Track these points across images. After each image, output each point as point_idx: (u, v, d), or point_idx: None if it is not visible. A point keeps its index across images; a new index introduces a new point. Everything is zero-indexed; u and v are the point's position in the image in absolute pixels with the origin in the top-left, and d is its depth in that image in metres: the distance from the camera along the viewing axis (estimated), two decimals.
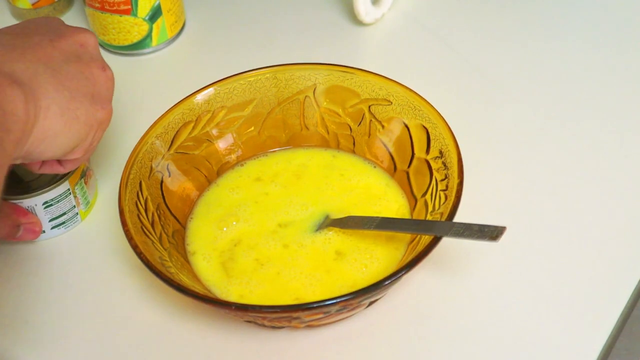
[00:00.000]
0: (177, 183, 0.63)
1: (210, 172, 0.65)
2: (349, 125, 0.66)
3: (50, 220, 0.63)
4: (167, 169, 0.63)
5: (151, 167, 0.62)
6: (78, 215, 0.65)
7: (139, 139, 0.62)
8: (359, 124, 0.65)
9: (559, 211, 0.64)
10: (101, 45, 0.81)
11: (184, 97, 0.64)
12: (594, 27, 0.80)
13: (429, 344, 0.57)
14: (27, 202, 0.62)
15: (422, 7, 0.83)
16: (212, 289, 0.58)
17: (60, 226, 0.64)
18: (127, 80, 0.78)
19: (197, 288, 0.55)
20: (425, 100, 0.62)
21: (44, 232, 0.64)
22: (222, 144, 0.66)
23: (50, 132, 0.52)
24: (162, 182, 0.62)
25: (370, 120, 0.65)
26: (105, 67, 0.57)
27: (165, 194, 0.62)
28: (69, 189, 0.63)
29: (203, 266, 0.59)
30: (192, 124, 0.64)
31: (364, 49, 0.81)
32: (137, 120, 0.67)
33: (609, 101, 0.72)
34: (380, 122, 0.64)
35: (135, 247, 0.55)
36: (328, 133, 0.66)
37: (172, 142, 0.63)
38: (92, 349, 0.58)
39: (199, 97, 0.65)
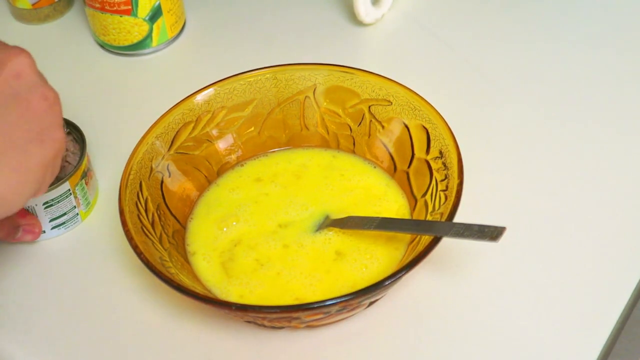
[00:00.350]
0: (177, 183, 0.63)
1: (211, 173, 0.65)
2: (349, 125, 0.66)
3: (50, 221, 0.63)
4: (167, 169, 0.63)
5: (151, 168, 0.62)
6: (78, 216, 0.65)
7: (139, 139, 0.62)
8: (359, 124, 0.65)
9: (559, 211, 0.64)
10: (101, 46, 0.81)
11: (184, 97, 0.64)
12: (594, 27, 0.80)
13: (429, 344, 0.57)
14: (27, 202, 0.62)
15: (422, 8, 0.83)
16: (212, 289, 0.58)
17: (61, 227, 0.64)
18: (127, 80, 0.78)
19: (197, 288, 0.55)
20: (425, 101, 0.62)
21: (44, 232, 0.64)
22: (222, 145, 0.66)
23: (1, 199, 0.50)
24: (162, 182, 0.62)
25: (370, 121, 0.65)
26: (46, 93, 0.52)
27: (165, 194, 0.62)
28: (69, 190, 0.63)
29: (203, 266, 0.59)
30: (192, 124, 0.64)
31: (364, 49, 0.81)
32: (137, 120, 0.67)
33: (609, 101, 0.72)
34: (380, 122, 0.64)
35: (135, 248, 0.55)
36: (328, 133, 0.66)
37: (172, 142, 0.63)
38: (92, 350, 0.58)
39: (199, 97, 0.65)
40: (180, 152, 0.64)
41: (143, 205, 0.59)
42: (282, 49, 0.80)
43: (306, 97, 0.66)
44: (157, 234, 0.59)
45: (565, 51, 0.77)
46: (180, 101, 0.64)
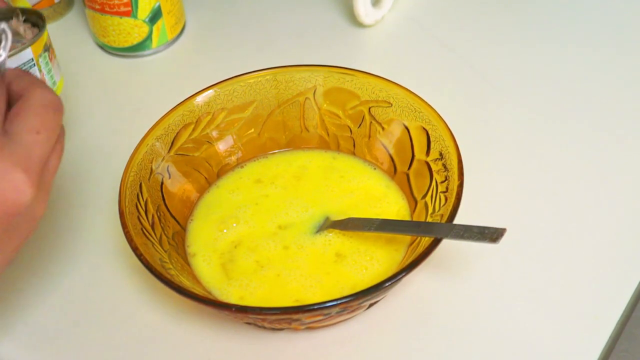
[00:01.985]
0: (177, 185, 0.63)
1: (211, 174, 0.65)
2: (349, 127, 0.66)
3: None
4: (167, 170, 0.63)
5: (151, 169, 0.62)
6: None
7: (139, 140, 0.62)
8: (359, 125, 0.65)
9: (559, 213, 0.64)
10: (101, 47, 0.81)
11: (184, 98, 0.64)
12: (594, 29, 0.80)
13: (429, 346, 0.57)
14: None
15: (422, 9, 0.83)
16: (212, 291, 0.58)
17: None
18: (127, 82, 0.78)
19: (197, 290, 0.55)
20: (425, 102, 0.62)
21: None
22: (222, 146, 0.66)
23: None
24: (162, 183, 0.62)
25: (371, 122, 0.65)
26: (16, 167, 0.45)
27: (165, 196, 0.62)
28: (32, 59, 0.60)
29: (203, 268, 0.59)
30: (192, 126, 0.64)
31: (364, 50, 0.81)
32: (137, 122, 0.67)
33: (610, 102, 0.72)
34: (381, 123, 0.64)
35: (135, 249, 0.55)
36: (328, 135, 0.66)
37: (172, 143, 0.63)
38: (92, 351, 0.58)
39: (199, 99, 0.65)
40: (180, 154, 0.64)
41: (143, 206, 0.59)
42: (282, 50, 0.80)
43: (306, 98, 0.66)
44: (157, 235, 0.59)
45: (566, 53, 0.77)
46: (180, 103, 0.64)
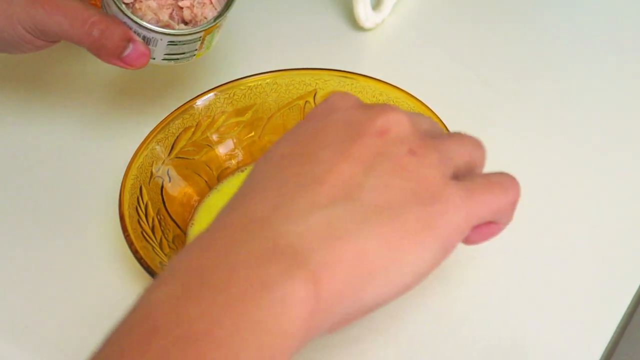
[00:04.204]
0: (178, 188, 0.63)
1: (211, 178, 0.65)
2: None
3: (165, 54, 0.61)
4: (168, 174, 0.63)
5: (151, 172, 0.61)
6: (194, 57, 0.62)
7: (139, 144, 0.62)
8: None
9: (560, 215, 0.64)
10: None
11: (184, 102, 0.64)
12: (596, 34, 0.80)
13: (430, 347, 0.57)
14: (152, 35, 0.58)
15: (423, 12, 0.83)
16: None
17: (171, 60, 0.62)
18: (127, 85, 0.78)
19: None
20: (426, 106, 0.62)
21: (153, 59, 0.60)
22: (222, 149, 0.66)
23: (377, 271, 0.39)
24: (162, 187, 0.62)
25: None
26: (414, 149, 0.41)
27: (165, 199, 0.62)
28: (200, 37, 0.60)
29: None
30: (192, 129, 0.64)
31: (364, 54, 0.81)
32: (138, 125, 0.67)
33: (611, 107, 0.72)
34: None
35: (135, 253, 0.55)
36: None
37: (172, 147, 0.63)
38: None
39: (199, 102, 0.65)
40: (180, 157, 0.64)
41: (143, 210, 0.59)
42: (282, 53, 0.80)
43: (306, 102, 0.66)
44: (157, 239, 0.59)
45: (567, 57, 0.77)
46: (181, 106, 0.64)
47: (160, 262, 0.56)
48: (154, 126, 0.63)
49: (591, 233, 0.63)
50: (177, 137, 0.64)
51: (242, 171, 0.66)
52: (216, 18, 0.61)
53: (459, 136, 0.45)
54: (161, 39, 0.59)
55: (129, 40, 0.58)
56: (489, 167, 0.67)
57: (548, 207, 0.64)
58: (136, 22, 0.58)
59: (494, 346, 0.56)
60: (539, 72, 0.76)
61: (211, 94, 0.65)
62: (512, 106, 0.73)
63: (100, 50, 0.59)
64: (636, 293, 0.59)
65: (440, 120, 0.60)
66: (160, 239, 0.59)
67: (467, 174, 0.44)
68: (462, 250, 0.58)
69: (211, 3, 0.61)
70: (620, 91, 0.74)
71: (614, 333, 0.57)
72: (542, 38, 0.80)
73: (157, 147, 0.62)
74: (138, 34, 0.59)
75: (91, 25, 0.58)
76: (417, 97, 0.62)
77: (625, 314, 0.58)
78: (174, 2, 0.60)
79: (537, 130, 0.71)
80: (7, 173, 0.71)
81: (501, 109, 0.73)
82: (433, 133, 0.44)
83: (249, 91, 0.66)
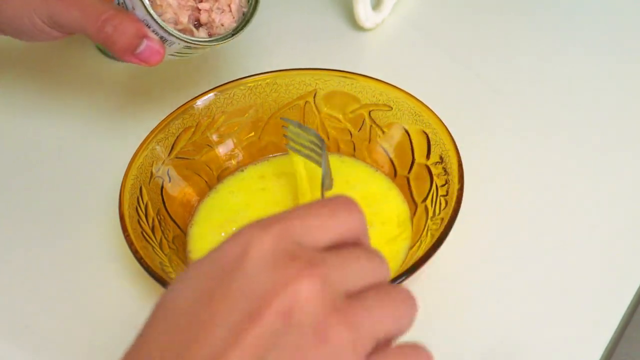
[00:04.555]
0: (178, 188, 0.63)
1: (211, 178, 0.65)
2: (349, 130, 0.66)
3: (175, 52, 0.60)
4: (168, 174, 0.63)
5: (151, 173, 0.62)
6: (198, 55, 0.62)
7: (139, 144, 0.62)
8: (360, 129, 0.65)
9: (560, 217, 0.64)
10: (102, 51, 0.81)
11: (184, 102, 0.64)
12: (596, 34, 0.80)
13: (429, 348, 0.57)
14: (171, 38, 0.57)
15: (423, 13, 0.83)
16: None
17: (178, 57, 0.61)
18: (127, 85, 0.78)
19: None
20: (426, 106, 0.62)
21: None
22: (222, 150, 0.66)
23: None
24: (162, 187, 0.62)
25: (371, 126, 0.65)
26: (324, 333, 0.34)
27: (165, 200, 0.62)
28: (215, 45, 0.60)
29: None
30: (192, 129, 0.64)
31: (364, 54, 0.81)
32: (138, 125, 0.67)
33: (611, 107, 0.72)
34: (381, 127, 0.64)
35: (135, 253, 0.55)
36: (328, 138, 0.66)
37: (172, 147, 0.63)
38: (91, 353, 0.58)
39: (199, 102, 0.65)
40: (180, 157, 0.64)
41: (143, 210, 0.59)
42: (282, 53, 0.80)
43: (306, 102, 0.66)
44: (157, 239, 0.59)
45: (567, 58, 0.77)
46: (181, 106, 0.64)
47: (160, 262, 0.56)
48: (154, 126, 0.63)
49: (591, 233, 0.63)
50: (177, 137, 0.64)
51: (242, 171, 0.66)
52: (234, 32, 0.61)
53: (391, 298, 0.38)
54: (178, 43, 0.59)
55: (143, 37, 0.57)
56: (489, 167, 0.67)
57: (548, 207, 0.64)
58: (157, 22, 0.57)
59: (494, 346, 0.56)
60: (539, 72, 0.76)
61: (211, 94, 0.65)
62: (512, 106, 0.73)
63: (113, 46, 0.58)
64: (636, 293, 0.59)
65: (441, 122, 0.60)
66: (160, 239, 0.59)
67: (385, 346, 0.38)
68: (462, 250, 0.58)
69: (230, 11, 0.60)
70: (620, 91, 0.74)
71: (614, 333, 0.57)
72: (542, 38, 0.80)
73: (157, 147, 0.62)
74: (156, 33, 0.58)
75: (104, 21, 0.57)
76: (417, 97, 0.62)
77: (625, 314, 0.58)
78: (194, 3, 0.60)
79: (537, 130, 0.71)
80: (7, 173, 0.71)
81: (501, 108, 0.73)
82: (359, 295, 0.36)
83: (249, 91, 0.66)
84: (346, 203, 0.39)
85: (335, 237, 0.38)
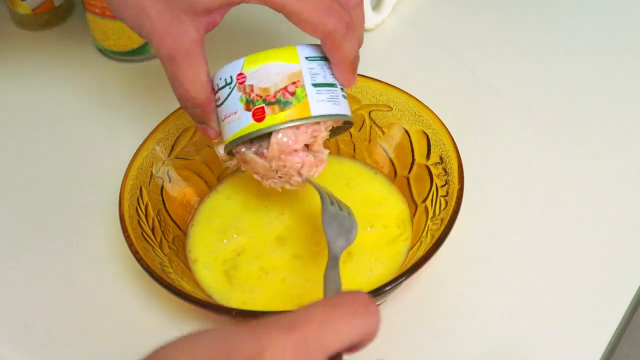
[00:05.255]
0: (178, 189, 0.63)
1: (211, 178, 0.65)
2: (349, 131, 0.66)
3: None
4: (168, 174, 0.63)
5: (151, 173, 0.62)
6: None
7: (139, 144, 0.62)
8: (360, 129, 0.65)
9: (560, 218, 0.64)
10: (102, 51, 0.81)
11: None
12: (596, 34, 0.80)
13: (429, 348, 0.57)
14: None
15: (423, 13, 0.83)
16: (214, 296, 0.58)
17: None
18: (127, 86, 0.78)
19: (198, 294, 0.55)
20: (426, 106, 0.62)
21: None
22: (222, 150, 0.66)
23: None
24: (162, 188, 0.62)
25: (371, 126, 0.65)
26: None
27: (165, 200, 0.62)
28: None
29: (204, 274, 0.59)
30: (192, 130, 0.64)
31: (364, 54, 0.80)
32: (138, 126, 0.67)
33: (611, 109, 0.72)
34: (381, 127, 0.64)
35: (135, 253, 0.55)
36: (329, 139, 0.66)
37: (172, 147, 0.63)
38: (91, 354, 0.58)
39: None
40: (180, 158, 0.64)
41: (143, 210, 0.59)
42: None
43: None
44: (157, 239, 0.59)
45: (567, 58, 0.77)
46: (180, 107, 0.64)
47: (160, 263, 0.56)
48: (154, 126, 0.63)
49: (591, 233, 0.63)
50: (177, 137, 0.64)
51: (243, 172, 0.66)
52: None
53: None
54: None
55: (204, 122, 0.57)
56: (489, 167, 0.67)
57: (548, 207, 0.64)
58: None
59: (494, 346, 0.56)
60: (539, 72, 0.76)
61: None
62: (513, 106, 0.73)
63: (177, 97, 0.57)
64: (636, 293, 0.59)
65: (440, 122, 0.61)
66: (160, 240, 0.59)
67: None
68: (462, 250, 0.58)
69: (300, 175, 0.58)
70: (620, 91, 0.74)
71: (614, 333, 0.57)
72: (543, 38, 0.80)
73: (157, 147, 0.62)
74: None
75: (192, 101, 0.56)
76: (417, 97, 0.62)
77: (625, 314, 0.58)
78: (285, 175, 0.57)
79: (537, 130, 0.71)
80: (7, 173, 0.71)
81: (501, 109, 0.73)
82: None
83: None
84: (365, 306, 0.41)
85: (347, 344, 0.40)
